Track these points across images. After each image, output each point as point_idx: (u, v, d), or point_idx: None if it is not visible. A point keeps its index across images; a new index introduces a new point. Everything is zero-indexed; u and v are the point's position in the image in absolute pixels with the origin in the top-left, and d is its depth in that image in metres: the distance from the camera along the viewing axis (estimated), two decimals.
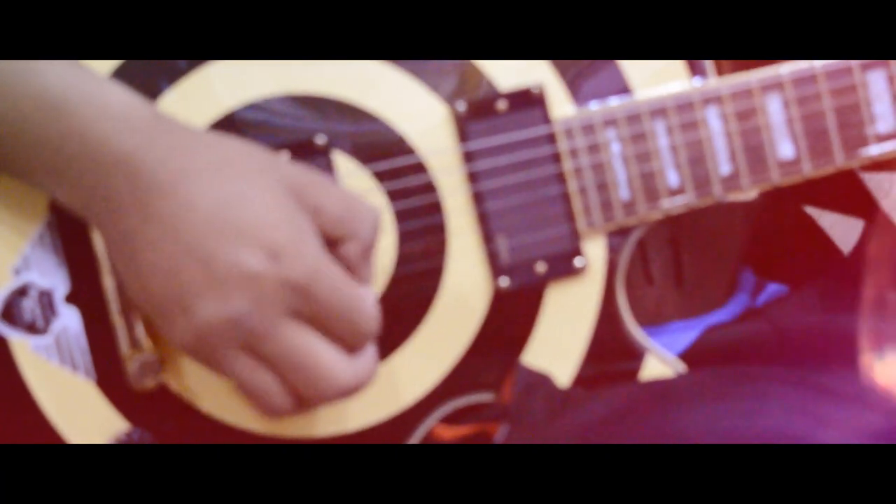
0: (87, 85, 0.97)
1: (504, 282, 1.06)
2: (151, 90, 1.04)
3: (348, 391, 0.98)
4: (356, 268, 0.98)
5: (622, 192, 1.07)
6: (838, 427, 1.02)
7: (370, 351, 0.99)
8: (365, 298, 0.97)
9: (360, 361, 0.98)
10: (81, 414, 1.04)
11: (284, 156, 0.99)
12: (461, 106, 1.06)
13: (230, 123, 1.05)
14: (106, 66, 1.03)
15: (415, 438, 1.07)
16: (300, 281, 0.95)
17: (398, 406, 1.07)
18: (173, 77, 1.04)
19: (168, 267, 0.95)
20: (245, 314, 0.95)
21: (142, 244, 0.96)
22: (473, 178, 1.06)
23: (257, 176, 0.96)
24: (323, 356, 0.96)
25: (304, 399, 0.98)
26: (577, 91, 1.07)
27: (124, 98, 0.97)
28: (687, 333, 1.16)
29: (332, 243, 0.98)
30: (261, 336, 0.95)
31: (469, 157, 1.06)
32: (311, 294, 0.95)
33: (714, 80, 1.07)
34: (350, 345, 0.98)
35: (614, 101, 1.07)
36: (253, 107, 1.05)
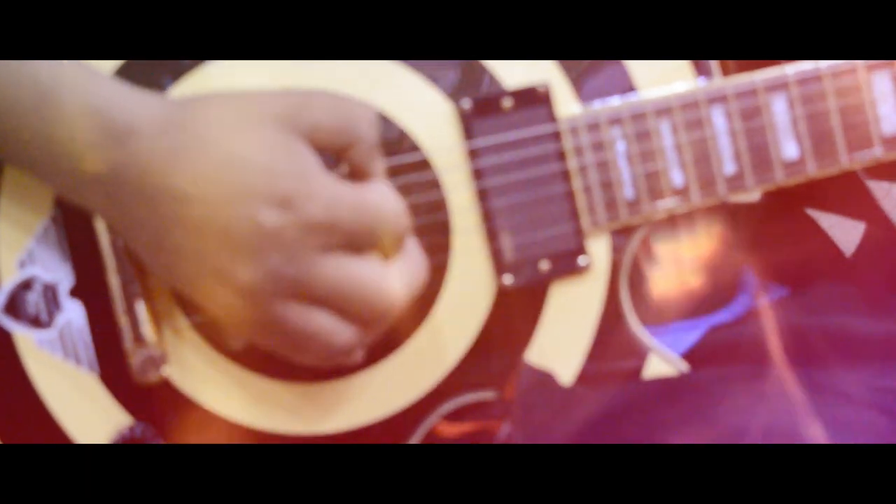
0: (77, 78, 0.97)
1: (508, 279, 1.07)
2: (155, 87, 1.04)
3: (405, 294, 0.98)
4: (367, 168, 0.99)
5: (626, 191, 1.07)
6: (838, 427, 1.03)
7: (412, 248, 0.99)
8: (385, 200, 0.97)
9: (405, 262, 0.98)
10: (84, 408, 1.04)
11: (266, 90, 0.99)
12: (466, 103, 1.06)
13: None
14: (110, 64, 1.04)
15: (418, 435, 1.07)
16: (318, 219, 0.95)
17: (401, 403, 1.07)
18: (177, 74, 1.05)
19: (191, 247, 0.95)
20: (280, 266, 0.95)
21: (158, 232, 0.96)
22: (478, 175, 1.06)
23: (243, 126, 0.96)
24: (367, 273, 0.97)
25: (367, 323, 0.97)
26: (582, 90, 1.07)
27: (110, 89, 0.98)
28: (690, 333, 1.16)
29: (337, 152, 0.98)
30: (302, 281, 0.95)
31: (474, 154, 1.06)
32: (333, 226, 0.95)
33: (719, 79, 1.07)
34: (388, 249, 0.98)
35: (619, 100, 1.07)
36: None
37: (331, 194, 0.96)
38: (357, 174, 0.98)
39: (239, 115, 0.97)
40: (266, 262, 0.95)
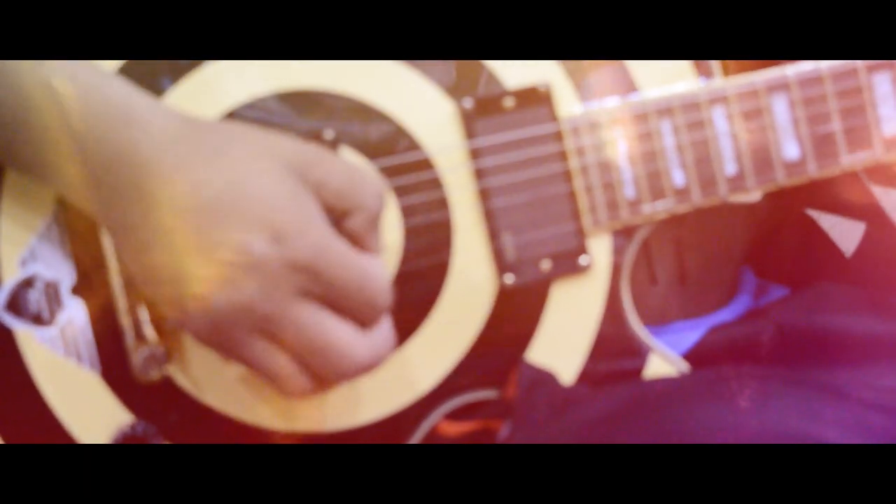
0: (88, 79, 0.97)
1: (509, 279, 1.07)
2: (154, 88, 1.04)
3: (365, 367, 0.98)
4: (364, 239, 0.98)
5: (628, 191, 1.07)
6: (838, 427, 1.03)
7: (385, 325, 0.99)
8: (374, 271, 0.97)
9: (375, 336, 0.98)
10: (86, 405, 1.05)
11: (285, 135, 1.00)
12: (468, 103, 1.06)
13: (238, 118, 1.05)
14: (110, 64, 1.04)
15: (419, 434, 1.07)
16: (306, 261, 0.95)
17: (403, 401, 1.07)
18: (177, 74, 1.05)
19: (174, 261, 0.95)
20: (255, 299, 0.95)
21: (147, 239, 0.96)
22: (480, 174, 1.06)
23: (256, 159, 0.96)
24: (336, 333, 0.96)
25: (321, 379, 0.98)
26: (584, 90, 1.07)
27: (123, 91, 0.98)
28: (691, 333, 1.16)
29: (338, 216, 0.98)
30: (273, 319, 0.95)
31: (476, 153, 1.06)
32: (319, 272, 0.96)
33: (720, 80, 1.07)
34: (364, 320, 0.98)
35: (621, 100, 1.07)
36: (260, 101, 1.05)
37: (325, 242, 0.96)
38: (354, 243, 0.98)
39: (254, 148, 0.97)
40: (243, 293, 0.94)
